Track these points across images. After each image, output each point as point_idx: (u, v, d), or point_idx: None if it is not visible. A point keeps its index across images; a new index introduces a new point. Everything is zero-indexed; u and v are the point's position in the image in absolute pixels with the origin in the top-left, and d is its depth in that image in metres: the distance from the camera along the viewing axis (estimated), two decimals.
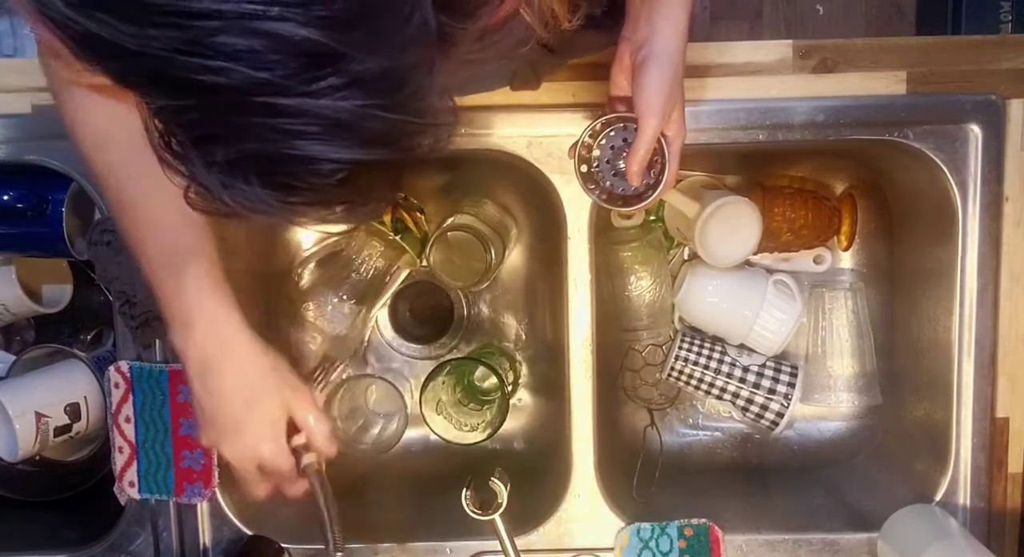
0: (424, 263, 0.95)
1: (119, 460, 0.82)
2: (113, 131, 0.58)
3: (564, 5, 0.48)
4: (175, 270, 0.61)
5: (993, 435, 0.81)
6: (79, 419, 0.87)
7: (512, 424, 1.00)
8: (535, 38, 0.60)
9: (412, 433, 0.99)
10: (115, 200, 0.61)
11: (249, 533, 0.84)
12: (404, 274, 0.96)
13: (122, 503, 0.83)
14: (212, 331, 0.62)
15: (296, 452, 0.66)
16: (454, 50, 0.33)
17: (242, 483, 0.67)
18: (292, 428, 0.66)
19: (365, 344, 0.99)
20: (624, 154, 0.63)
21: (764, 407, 0.91)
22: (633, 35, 0.61)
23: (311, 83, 0.29)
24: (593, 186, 0.65)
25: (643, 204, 0.65)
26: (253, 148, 0.30)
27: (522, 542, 0.79)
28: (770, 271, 0.94)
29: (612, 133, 0.64)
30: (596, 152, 0.64)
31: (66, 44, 0.29)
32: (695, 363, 0.92)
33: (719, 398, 0.94)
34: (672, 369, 0.93)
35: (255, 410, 0.64)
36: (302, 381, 0.66)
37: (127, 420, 0.81)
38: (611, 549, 0.83)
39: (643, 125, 0.59)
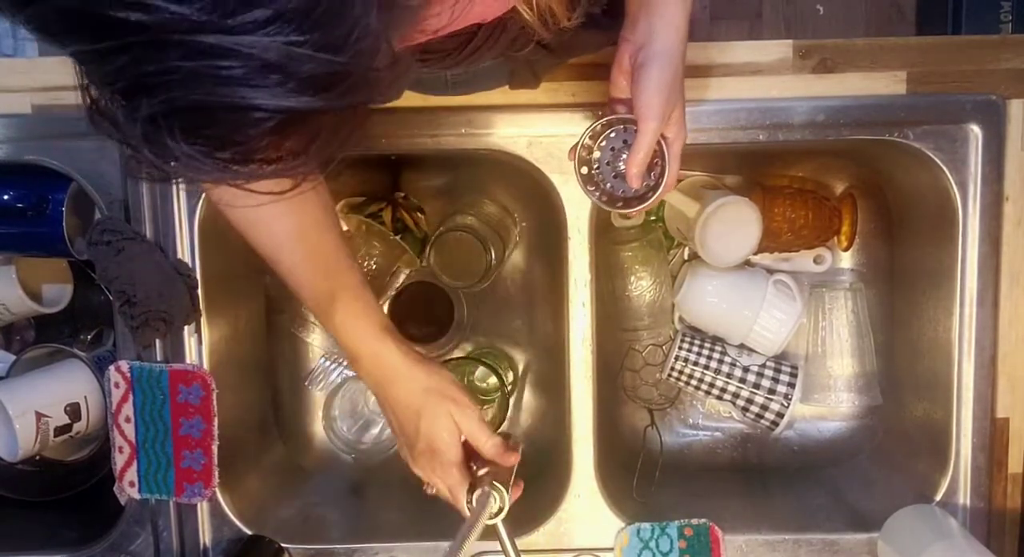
0: (424, 263, 0.95)
1: (119, 460, 0.82)
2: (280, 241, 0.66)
3: (563, 4, 0.48)
4: (328, 316, 0.66)
5: (993, 435, 0.81)
6: (79, 419, 0.87)
7: (512, 424, 1.00)
8: (535, 38, 0.60)
9: None
10: (284, 278, 0.67)
11: (249, 533, 0.84)
12: (404, 274, 0.96)
13: (122, 503, 0.83)
14: (374, 363, 0.66)
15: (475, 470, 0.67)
16: None
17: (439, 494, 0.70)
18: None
19: None
20: (624, 156, 0.63)
21: (764, 407, 0.91)
22: (632, 36, 0.61)
23: (232, 16, 0.26)
24: (593, 188, 0.65)
25: (643, 206, 0.65)
26: (175, 97, 0.28)
27: (522, 542, 0.79)
28: (770, 271, 0.94)
29: (612, 135, 0.64)
30: (596, 154, 0.64)
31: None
32: (695, 363, 0.92)
33: (719, 398, 0.94)
34: (672, 369, 0.93)
35: (425, 427, 0.66)
36: (466, 396, 0.67)
37: (127, 420, 0.81)
38: (611, 549, 0.83)
39: (643, 127, 0.59)
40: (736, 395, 0.92)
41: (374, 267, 0.94)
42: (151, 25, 0.26)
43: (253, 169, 0.32)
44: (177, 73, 0.27)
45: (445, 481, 0.67)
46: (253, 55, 0.27)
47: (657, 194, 0.64)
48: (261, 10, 0.27)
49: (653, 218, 0.97)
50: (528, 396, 1.00)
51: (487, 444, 0.66)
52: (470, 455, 0.68)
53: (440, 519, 0.85)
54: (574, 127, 0.78)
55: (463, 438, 0.67)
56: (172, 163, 0.30)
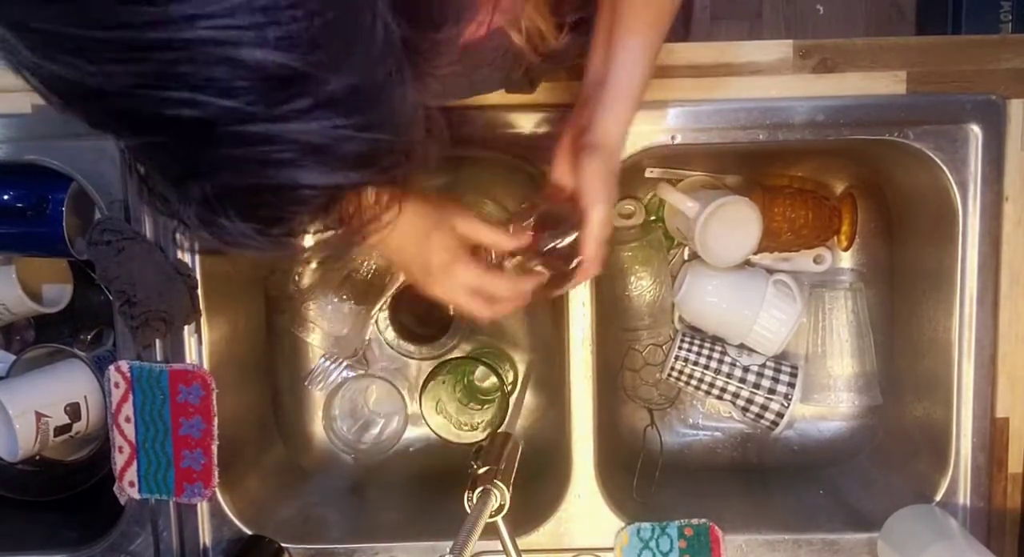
0: None
1: (119, 460, 0.82)
2: None
3: (549, 24, 0.48)
4: None
5: (993, 435, 0.81)
6: (79, 419, 0.87)
7: (512, 424, 1.00)
8: (525, 64, 0.60)
9: (412, 433, 0.99)
10: None
11: (249, 533, 0.84)
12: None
13: (122, 503, 0.83)
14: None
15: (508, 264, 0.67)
16: (427, 63, 0.32)
17: (468, 315, 0.68)
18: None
19: (365, 344, 0.98)
20: (555, 240, 0.64)
21: (764, 407, 0.91)
22: (578, 120, 0.62)
23: (278, 107, 0.28)
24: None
25: (563, 289, 0.67)
26: (228, 181, 0.30)
27: (522, 542, 0.79)
28: (770, 271, 0.94)
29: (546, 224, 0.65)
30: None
31: (42, 93, 0.29)
32: (695, 363, 0.92)
33: (719, 398, 0.94)
34: (672, 369, 0.93)
35: (431, 245, 0.64)
36: (466, 211, 0.66)
37: (127, 420, 0.81)
38: (611, 549, 0.83)
39: (594, 215, 0.61)
40: (736, 395, 0.92)
41: (374, 268, 0.94)
42: (200, 120, 0.27)
43: (294, 239, 0.34)
44: (228, 160, 0.29)
45: (467, 273, 0.65)
46: (300, 140, 0.29)
47: (573, 281, 0.66)
48: (304, 99, 0.28)
49: (653, 218, 0.97)
50: (528, 396, 1.00)
51: (497, 240, 0.65)
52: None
53: (440, 519, 0.86)
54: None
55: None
56: (226, 239, 0.32)
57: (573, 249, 0.64)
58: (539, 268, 0.66)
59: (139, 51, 0.26)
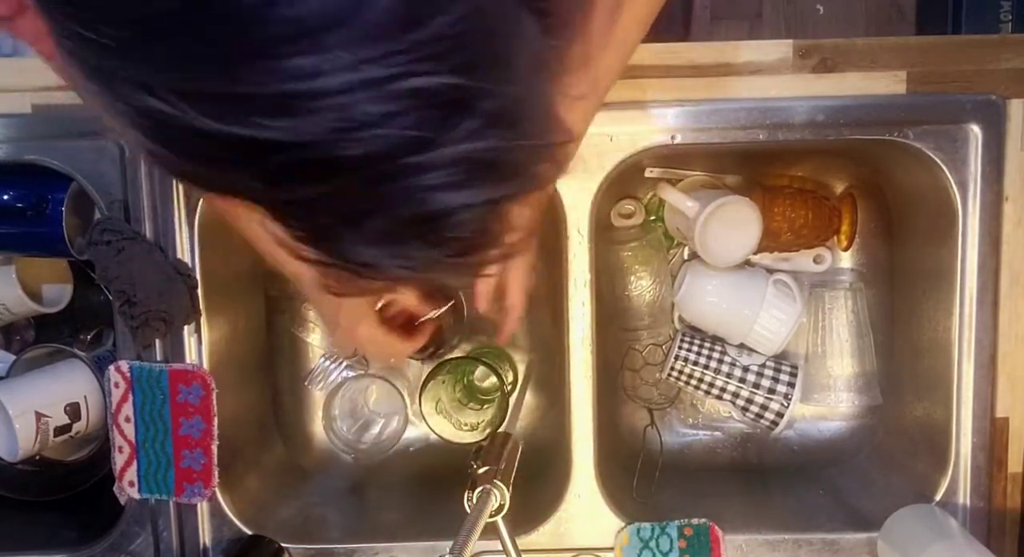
0: None
1: (119, 460, 0.82)
2: None
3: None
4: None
5: (993, 435, 0.81)
6: (79, 419, 0.87)
7: (512, 424, 1.00)
8: None
9: (412, 433, 0.99)
10: None
11: (249, 533, 0.84)
12: None
13: (122, 503, 0.83)
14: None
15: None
16: (555, 69, 0.33)
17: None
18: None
19: None
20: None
21: (764, 407, 0.91)
22: None
23: (454, 129, 0.28)
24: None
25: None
26: (409, 212, 0.30)
27: (522, 542, 0.79)
28: (770, 271, 0.94)
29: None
30: None
31: (213, 168, 0.29)
32: (695, 363, 0.92)
33: (719, 398, 0.94)
34: (672, 369, 0.93)
35: (342, 307, 0.67)
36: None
37: (127, 420, 0.81)
38: (611, 549, 0.83)
39: (509, 326, 0.72)
40: (736, 395, 0.92)
41: None
42: (381, 155, 0.28)
43: (481, 258, 0.35)
44: (407, 190, 0.29)
45: (366, 334, 0.68)
46: (474, 158, 0.29)
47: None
48: (477, 118, 0.28)
49: (653, 218, 0.97)
50: (528, 396, 1.00)
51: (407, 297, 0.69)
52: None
53: (439, 519, 0.86)
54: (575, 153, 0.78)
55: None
56: (415, 269, 0.33)
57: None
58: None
59: (328, 97, 0.26)
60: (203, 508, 0.84)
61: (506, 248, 0.35)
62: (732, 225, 0.86)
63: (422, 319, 0.71)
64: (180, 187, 0.80)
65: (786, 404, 0.91)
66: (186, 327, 0.81)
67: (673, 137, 0.79)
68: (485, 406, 0.94)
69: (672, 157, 0.93)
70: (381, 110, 0.27)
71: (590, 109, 0.65)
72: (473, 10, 0.27)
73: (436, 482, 0.96)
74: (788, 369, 0.92)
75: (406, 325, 0.71)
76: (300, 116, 0.27)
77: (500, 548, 0.66)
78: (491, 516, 0.63)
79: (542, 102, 0.32)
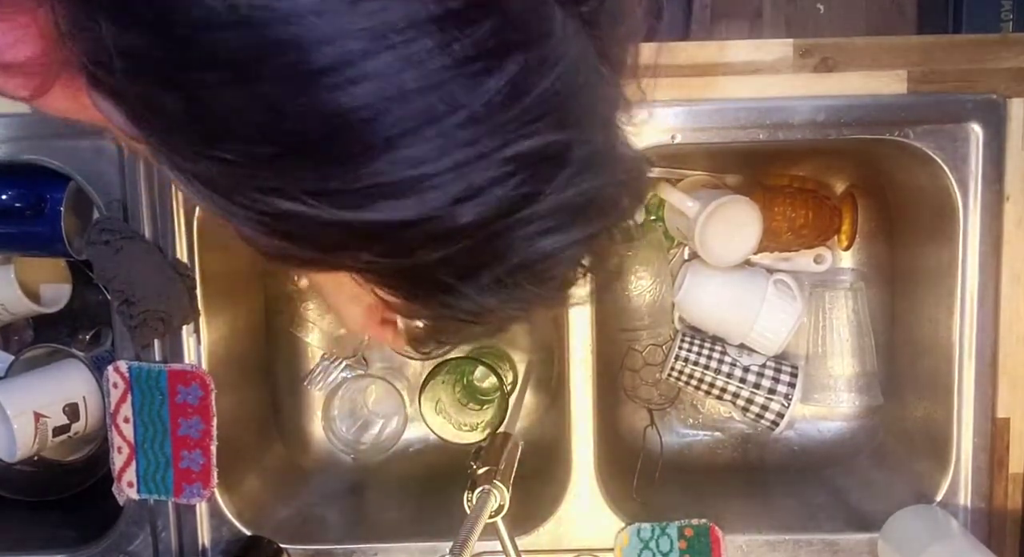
0: None
1: (118, 460, 0.82)
2: None
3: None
4: None
5: (994, 435, 0.80)
6: (78, 419, 0.87)
7: (512, 424, 1.00)
8: None
9: (412, 433, 0.99)
10: None
11: (248, 533, 0.83)
12: None
13: (121, 503, 0.83)
14: None
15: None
16: (624, 106, 0.36)
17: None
18: None
19: (365, 344, 0.98)
20: None
21: (764, 407, 0.91)
22: None
23: (553, 181, 0.30)
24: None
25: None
26: (515, 261, 0.32)
27: (522, 542, 0.79)
28: (770, 271, 0.94)
29: None
30: None
31: (337, 251, 0.31)
32: (695, 363, 0.92)
33: (719, 398, 0.94)
34: (672, 369, 0.93)
35: (353, 309, 0.70)
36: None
37: (126, 420, 0.81)
38: (611, 549, 0.83)
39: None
40: (736, 395, 0.92)
41: None
42: (498, 214, 0.30)
43: (575, 288, 0.38)
44: (518, 241, 0.31)
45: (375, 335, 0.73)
46: (573, 204, 0.31)
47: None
48: (571, 167, 0.31)
49: (653, 218, 0.97)
50: (528, 396, 1.00)
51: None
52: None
53: (439, 519, 0.86)
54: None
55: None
56: (523, 307, 0.35)
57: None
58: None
59: (446, 174, 0.28)
60: (202, 508, 0.83)
61: (598, 275, 0.39)
62: (732, 225, 0.85)
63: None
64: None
65: (786, 404, 0.90)
66: (185, 327, 0.81)
67: (673, 137, 0.79)
68: (485, 406, 0.94)
69: (672, 157, 0.93)
70: (491, 176, 0.29)
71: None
72: (566, 70, 0.29)
73: (436, 482, 0.96)
74: (788, 369, 0.92)
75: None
76: (424, 193, 0.28)
77: (500, 548, 0.66)
78: (491, 516, 0.63)
79: (620, 137, 0.34)
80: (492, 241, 0.31)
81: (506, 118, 0.28)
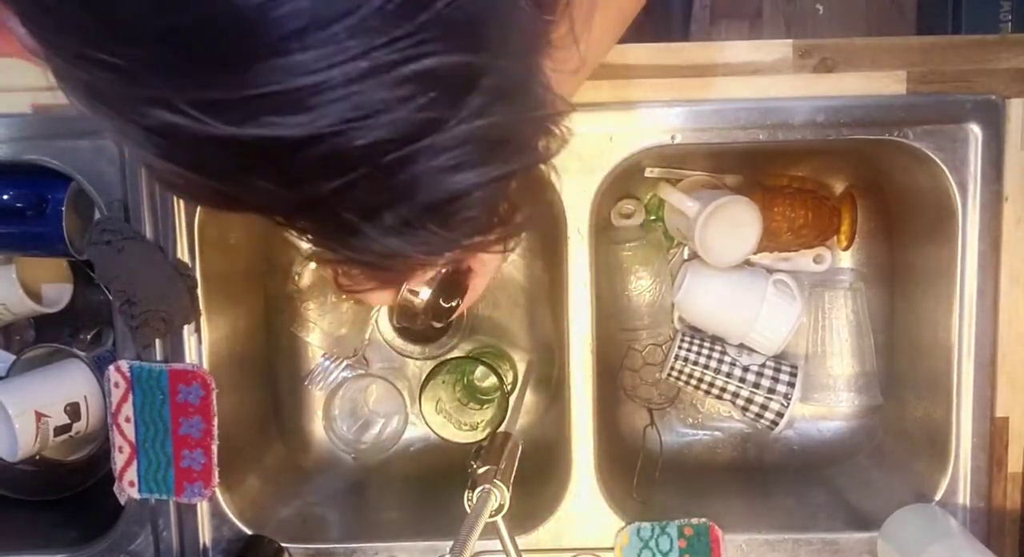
0: None
1: (119, 460, 0.82)
2: None
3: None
4: None
5: (993, 435, 0.81)
6: (79, 419, 0.87)
7: (512, 424, 1.00)
8: None
9: (412, 432, 0.99)
10: None
11: (249, 533, 0.84)
12: None
13: (122, 503, 0.83)
14: None
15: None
16: (551, 44, 0.34)
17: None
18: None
19: (365, 344, 0.99)
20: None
21: (764, 407, 0.91)
22: None
23: (464, 108, 0.29)
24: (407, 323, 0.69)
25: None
26: (423, 198, 0.30)
27: (522, 542, 0.79)
28: (770, 271, 0.94)
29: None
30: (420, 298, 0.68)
31: (231, 177, 0.29)
32: (695, 363, 0.92)
33: (719, 398, 0.94)
34: (672, 369, 0.93)
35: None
36: None
37: (127, 420, 0.81)
38: (611, 549, 0.83)
39: (477, 283, 0.65)
40: (736, 395, 0.92)
41: None
42: (398, 140, 0.28)
43: (492, 236, 0.36)
44: (424, 174, 0.29)
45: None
46: (484, 137, 0.30)
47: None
48: (483, 95, 0.29)
49: (653, 218, 0.97)
50: (528, 396, 1.00)
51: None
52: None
53: (440, 518, 0.86)
54: (574, 125, 0.78)
55: None
56: (431, 252, 0.33)
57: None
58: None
59: (340, 88, 0.27)
60: (203, 508, 0.84)
61: (515, 225, 0.36)
62: (732, 225, 0.86)
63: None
64: None
65: (786, 404, 0.91)
66: (186, 327, 0.81)
67: (673, 137, 0.79)
68: (485, 406, 0.94)
69: (672, 157, 0.93)
70: (392, 95, 0.27)
71: (578, 84, 0.65)
72: None
73: (436, 482, 0.96)
74: (788, 369, 0.92)
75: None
76: (314, 110, 0.27)
77: (500, 548, 0.66)
78: (491, 516, 0.63)
79: (539, 76, 0.32)
80: (394, 173, 0.29)
81: (404, 30, 0.27)
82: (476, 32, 0.28)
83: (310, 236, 0.33)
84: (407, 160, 0.29)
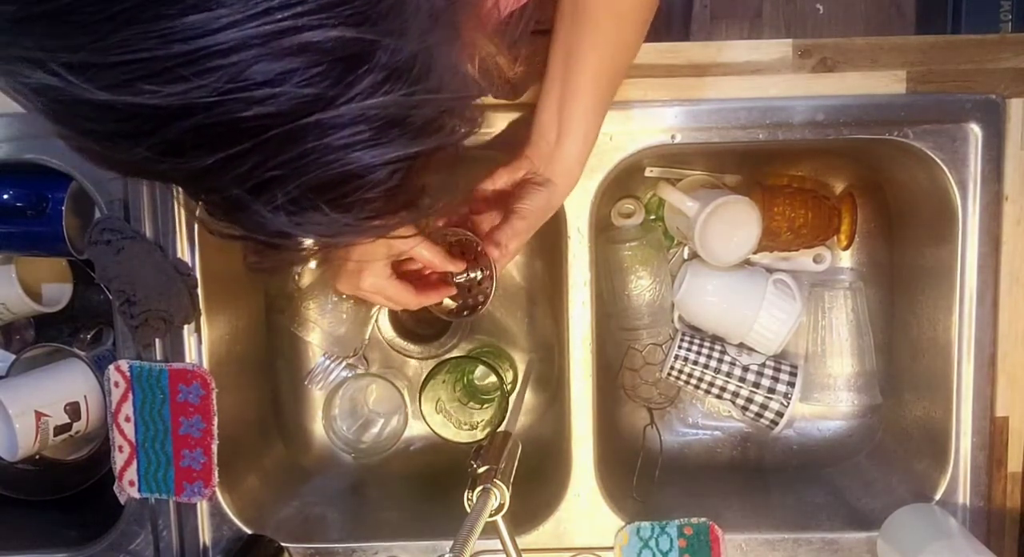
0: None
1: (119, 459, 0.82)
2: None
3: (506, 57, 0.49)
4: None
5: (993, 434, 0.81)
6: (79, 418, 0.87)
7: (512, 423, 1.00)
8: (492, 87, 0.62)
9: (412, 432, 0.99)
10: None
11: (249, 532, 0.84)
12: None
13: (122, 502, 0.83)
14: None
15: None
16: (457, 26, 0.32)
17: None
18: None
19: (365, 343, 0.99)
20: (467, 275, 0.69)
21: (764, 406, 0.91)
22: (535, 156, 0.65)
23: (354, 85, 0.28)
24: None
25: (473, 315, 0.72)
26: (315, 175, 0.29)
27: (522, 541, 0.79)
28: (770, 270, 0.94)
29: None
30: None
31: (114, 143, 0.28)
32: (695, 362, 0.92)
33: (719, 397, 0.94)
34: (672, 368, 0.93)
35: (350, 250, 0.65)
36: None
37: (127, 419, 0.82)
38: (611, 548, 0.83)
39: (497, 264, 0.66)
40: (736, 394, 0.92)
41: None
42: (282, 114, 0.27)
43: (393, 220, 0.34)
44: (312, 152, 0.28)
45: (371, 278, 0.66)
46: (377, 115, 0.29)
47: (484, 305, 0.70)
48: (377, 73, 0.28)
49: (653, 217, 0.97)
50: (528, 396, 1.00)
51: (431, 258, 0.66)
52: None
53: (440, 518, 0.86)
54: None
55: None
56: (314, 233, 0.32)
57: (477, 284, 0.69)
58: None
59: (217, 57, 0.26)
60: (203, 507, 0.84)
61: (420, 210, 0.35)
62: (732, 225, 0.86)
63: (455, 278, 0.69)
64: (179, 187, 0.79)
65: (786, 403, 0.91)
66: (186, 326, 0.81)
67: (673, 137, 0.79)
68: (485, 405, 0.94)
69: (672, 156, 0.93)
70: (275, 68, 0.26)
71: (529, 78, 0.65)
72: None
73: (436, 481, 0.96)
74: (788, 368, 0.92)
75: (426, 278, 0.69)
76: (191, 80, 0.26)
77: (500, 547, 0.66)
78: (491, 515, 0.63)
79: (445, 57, 0.31)
80: (281, 149, 0.28)
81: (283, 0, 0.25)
82: (364, 7, 0.27)
83: (203, 207, 0.32)
84: (293, 136, 0.28)
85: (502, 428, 0.84)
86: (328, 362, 0.99)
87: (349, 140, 0.29)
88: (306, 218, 0.31)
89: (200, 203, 0.32)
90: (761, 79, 0.78)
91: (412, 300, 0.67)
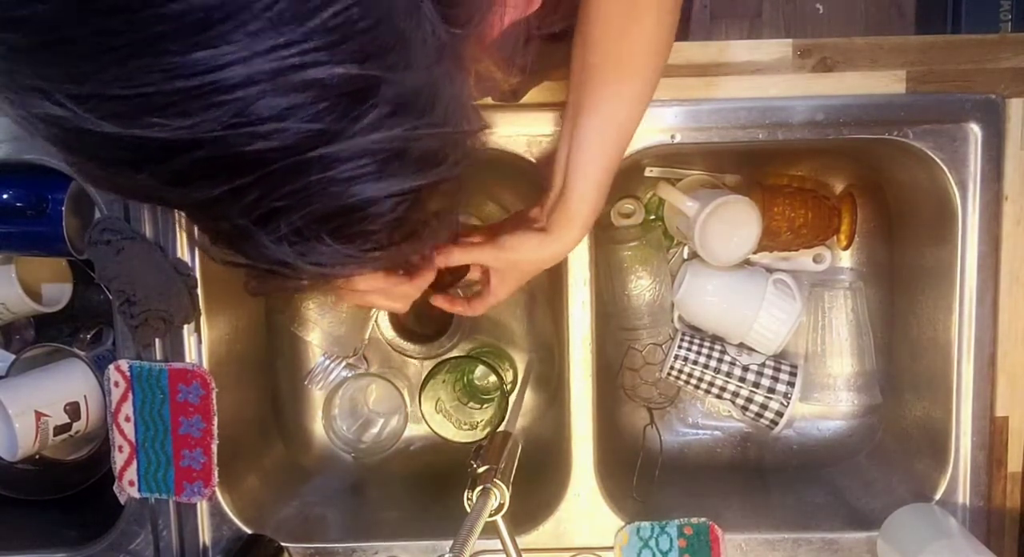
0: None
1: (119, 459, 0.82)
2: None
3: (502, 69, 0.48)
4: None
5: (992, 434, 0.81)
6: (79, 418, 0.87)
7: (511, 423, 1.00)
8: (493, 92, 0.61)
9: (412, 432, 0.99)
10: None
11: (249, 532, 0.84)
12: None
13: (122, 502, 0.83)
14: None
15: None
16: (461, 58, 0.33)
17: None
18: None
19: (365, 343, 0.99)
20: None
21: (764, 406, 0.92)
22: (545, 201, 0.66)
23: (358, 120, 0.28)
24: None
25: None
26: (319, 208, 0.30)
27: (522, 541, 0.79)
28: (770, 270, 0.94)
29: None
30: None
31: (120, 171, 0.28)
32: (695, 362, 0.92)
33: (719, 397, 0.94)
34: (672, 368, 0.93)
35: None
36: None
37: (127, 419, 0.82)
38: (611, 548, 0.83)
39: (488, 301, 0.70)
40: (736, 394, 0.92)
41: None
42: (287, 149, 0.27)
43: (395, 251, 0.34)
44: (316, 185, 0.29)
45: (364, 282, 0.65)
46: (382, 148, 0.29)
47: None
48: (381, 107, 0.28)
49: (653, 217, 0.97)
50: (528, 395, 1.00)
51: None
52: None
53: (440, 518, 0.86)
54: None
55: None
56: (323, 264, 0.32)
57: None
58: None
59: (224, 93, 0.26)
60: (203, 507, 0.84)
61: (422, 242, 0.35)
62: (732, 225, 0.86)
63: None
64: None
65: (786, 403, 0.91)
66: (186, 326, 0.81)
67: (673, 136, 0.79)
68: (485, 405, 0.94)
69: (672, 156, 0.93)
70: (281, 104, 0.26)
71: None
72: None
73: (436, 481, 0.96)
74: (788, 368, 0.92)
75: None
76: (196, 114, 0.26)
77: (500, 547, 0.66)
78: (491, 515, 0.63)
79: (448, 90, 0.31)
80: (285, 181, 0.28)
81: (288, 38, 0.26)
82: (368, 43, 0.27)
83: (207, 233, 0.33)
84: (298, 169, 0.28)
85: (502, 428, 0.84)
86: (328, 362, 0.99)
87: (353, 173, 0.29)
88: (309, 248, 0.31)
89: (200, 229, 0.32)
90: (761, 79, 0.78)
91: (409, 290, 0.67)
